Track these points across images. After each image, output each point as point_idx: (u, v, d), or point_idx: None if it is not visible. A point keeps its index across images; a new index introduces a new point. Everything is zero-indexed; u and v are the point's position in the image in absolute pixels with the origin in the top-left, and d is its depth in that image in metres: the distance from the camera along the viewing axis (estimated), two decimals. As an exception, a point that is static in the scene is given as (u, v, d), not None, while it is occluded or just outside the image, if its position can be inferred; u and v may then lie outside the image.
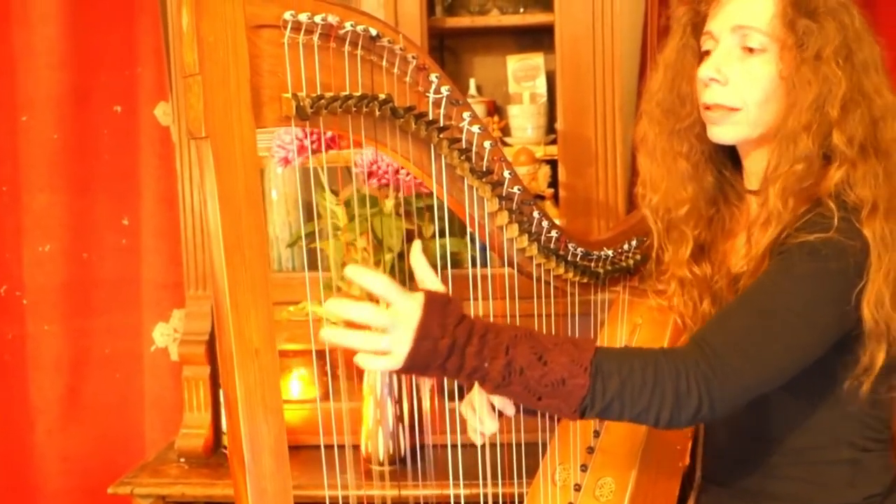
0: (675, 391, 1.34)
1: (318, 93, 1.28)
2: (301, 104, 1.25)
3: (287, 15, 1.23)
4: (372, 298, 1.32)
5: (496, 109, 2.57)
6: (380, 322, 1.28)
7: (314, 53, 1.27)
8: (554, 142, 2.35)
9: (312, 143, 1.97)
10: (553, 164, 2.32)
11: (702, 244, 1.70)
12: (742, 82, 1.55)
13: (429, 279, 1.38)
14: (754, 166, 1.64)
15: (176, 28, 2.28)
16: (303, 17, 1.24)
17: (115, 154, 2.63)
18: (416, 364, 1.29)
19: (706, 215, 1.69)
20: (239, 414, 1.20)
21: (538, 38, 2.52)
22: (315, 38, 1.27)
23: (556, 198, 2.32)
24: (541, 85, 2.51)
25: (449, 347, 1.28)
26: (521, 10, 2.48)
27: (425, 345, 1.27)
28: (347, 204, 2.06)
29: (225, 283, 1.19)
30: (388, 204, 2.05)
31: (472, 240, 2.01)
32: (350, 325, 1.30)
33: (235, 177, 1.19)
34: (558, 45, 2.25)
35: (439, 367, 1.30)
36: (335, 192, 2.09)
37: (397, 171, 1.99)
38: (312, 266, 2.31)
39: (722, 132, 1.60)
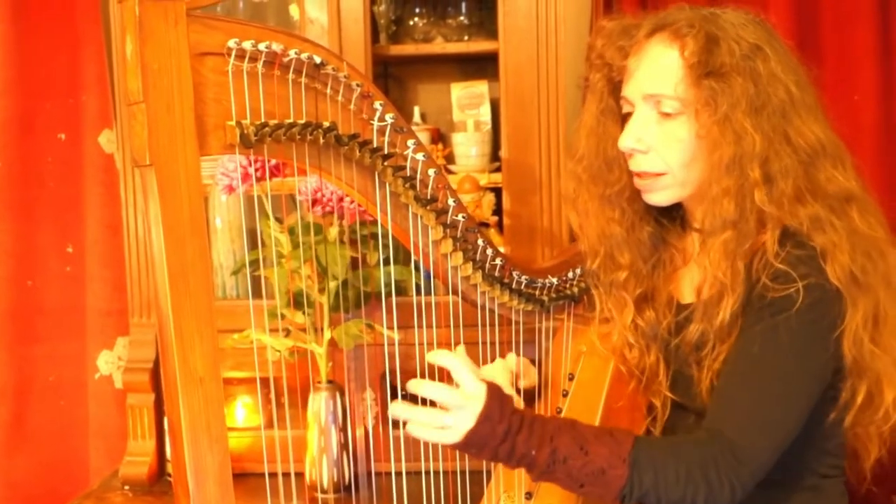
0: (707, 484, 1.42)
1: (263, 120, 1.29)
2: (245, 132, 1.26)
3: (231, 43, 1.24)
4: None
5: (440, 137, 2.58)
6: (452, 401, 1.40)
7: (258, 81, 1.28)
8: (498, 169, 2.37)
9: (257, 170, 1.97)
10: (497, 191, 2.34)
11: (644, 295, 1.70)
12: (663, 147, 1.55)
13: (469, 379, 1.44)
14: (695, 210, 1.63)
15: (120, 56, 2.28)
16: (247, 45, 1.25)
17: (60, 181, 2.61)
18: (472, 442, 1.40)
19: (646, 272, 1.70)
20: (183, 442, 1.20)
21: (482, 66, 2.53)
22: (259, 65, 1.27)
23: (500, 225, 2.34)
24: (485, 113, 2.52)
25: (504, 433, 1.39)
26: (466, 37, 2.50)
27: (486, 426, 1.39)
28: (291, 231, 2.06)
29: (169, 311, 1.19)
30: (333, 231, 2.06)
31: (417, 267, 2.03)
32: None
33: (180, 204, 1.19)
34: (502, 73, 2.26)
35: (492, 450, 1.41)
36: (279, 220, 2.09)
37: (341, 199, 1.99)
38: (257, 294, 2.31)
39: (654, 197, 1.62)
